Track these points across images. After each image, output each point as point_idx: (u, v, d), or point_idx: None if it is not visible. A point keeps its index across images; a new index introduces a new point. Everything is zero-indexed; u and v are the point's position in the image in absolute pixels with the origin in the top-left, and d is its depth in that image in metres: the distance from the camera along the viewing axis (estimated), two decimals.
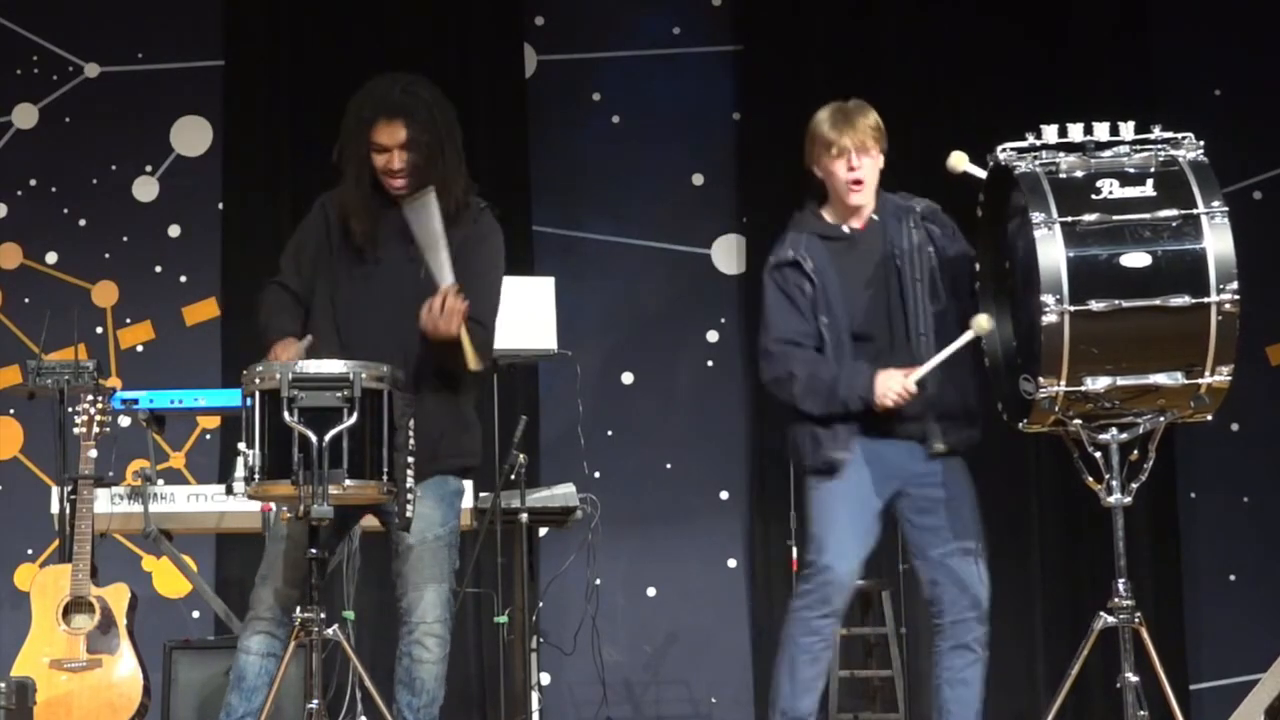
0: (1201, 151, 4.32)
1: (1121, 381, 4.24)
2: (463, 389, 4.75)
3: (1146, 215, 4.22)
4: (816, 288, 4.74)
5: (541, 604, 6.79)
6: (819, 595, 4.72)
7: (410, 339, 4.61)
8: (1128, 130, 4.33)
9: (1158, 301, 4.18)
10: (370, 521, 4.97)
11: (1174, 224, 4.21)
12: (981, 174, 4.51)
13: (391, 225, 4.69)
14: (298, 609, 4.49)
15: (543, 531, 6.87)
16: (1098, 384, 4.24)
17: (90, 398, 6.06)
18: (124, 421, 6.78)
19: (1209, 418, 4.36)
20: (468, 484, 6.02)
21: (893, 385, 4.62)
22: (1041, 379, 4.24)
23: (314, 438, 4.30)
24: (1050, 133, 4.35)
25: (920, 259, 4.75)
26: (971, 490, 4.86)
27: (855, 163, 4.76)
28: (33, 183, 7.56)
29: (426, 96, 4.70)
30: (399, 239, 4.68)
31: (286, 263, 4.81)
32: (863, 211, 4.82)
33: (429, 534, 4.64)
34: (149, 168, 7.58)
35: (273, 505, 4.93)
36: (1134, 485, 4.39)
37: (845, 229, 4.81)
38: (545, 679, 6.97)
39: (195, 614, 7.28)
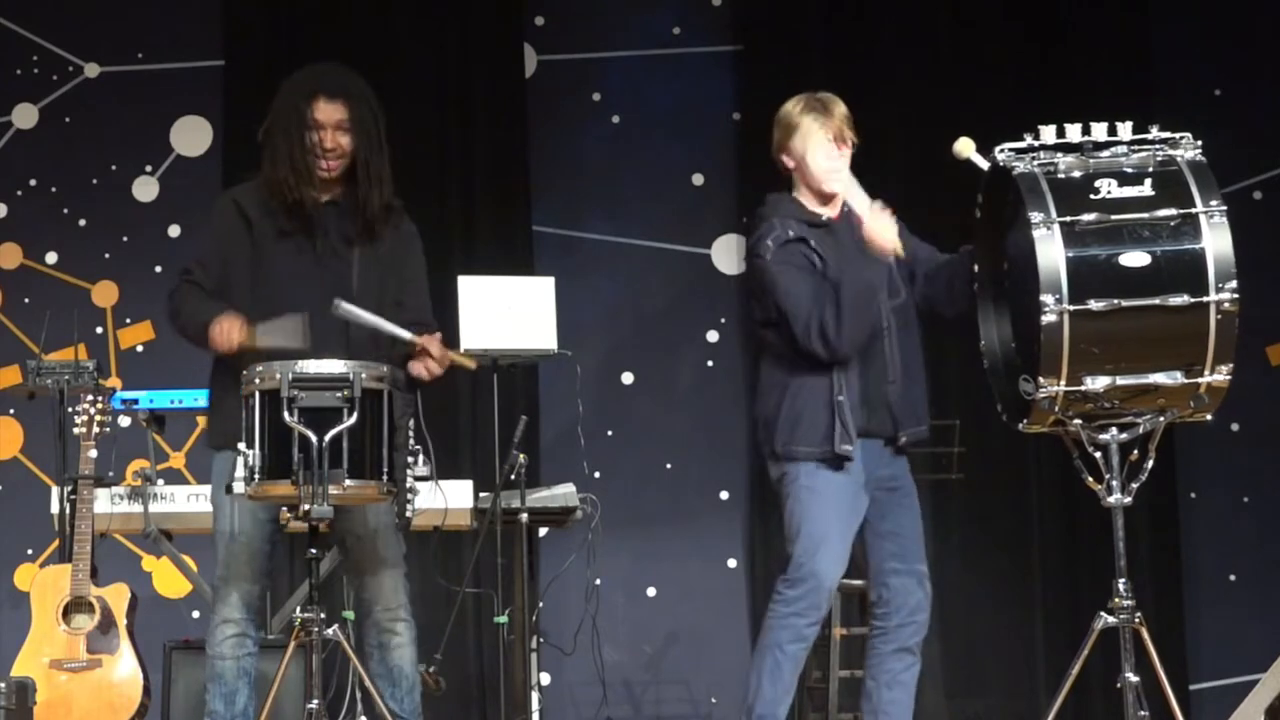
0: (1200, 151, 4.32)
1: (1121, 381, 4.24)
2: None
3: (1145, 215, 4.22)
4: (827, 263, 4.69)
5: (541, 604, 6.78)
6: (809, 602, 4.69)
7: (352, 333, 4.59)
8: (1125, 130, 4.33)
9: (1157, 301, 4.18)
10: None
11: (1173, 223, 4.21)
12: (984, 164, 4.50)
13: (321, 217, 4.65)
14: (300, 610, 4.49)
15: (543, 531, 6.86)
16: (1097, 384, 4.24)
17: (90, 398, 6.06)
18: (124, 421, 6.78)
19: (1209, 417, 4.36)
20: (457, 484, 6.08)
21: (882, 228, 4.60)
22: (1041, 379, 4.23)
23: (314, 438, 4.30)
24: (1048, 133, 4.35)
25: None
26: (915, 488, 4.85)
27: (840, 150, 4.77)
28: (33, 183, 7.56)
29: (364, 87, 4.69)
30: (328, 232, 4.65)
31: (196, 266, 4.72)
32: (835, 201, 4.81)
33: (378, 522, 4.63)
34: (149, 168, 7.59)
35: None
36: (1134, 485, 4.39)
37: (824, 219, 4.80)
38: (545, 679, 6.97)
39: (195, 614, 7.28)
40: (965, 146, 4.60)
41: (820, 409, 4.67)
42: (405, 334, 4.53)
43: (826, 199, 4.81)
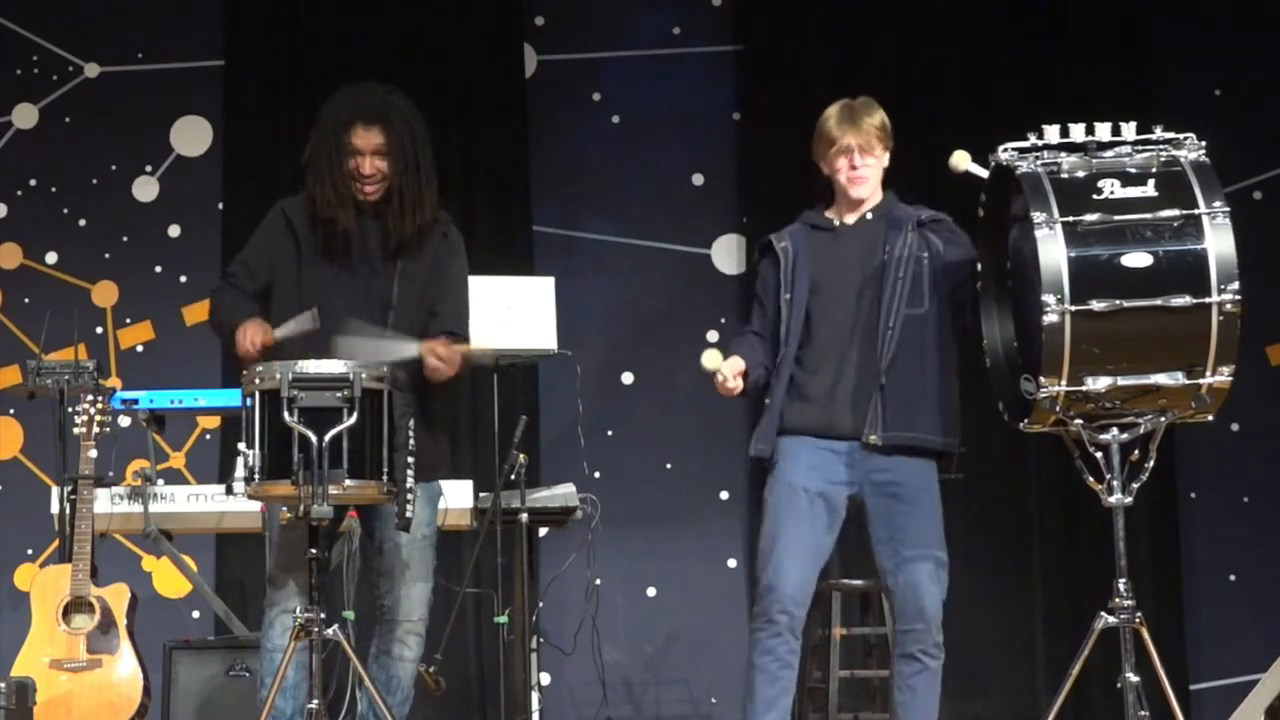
0: (1203, 152, 4.32)
1: (1122, 381, 4.24)
2: (433, 398, 4.73)
3: (1148, 215, 4.22)
4: (783, 266, 4.83)
5: (541, 604, 6.78)
6: (767, 616, 4.73)
7: (391, 327, 4.62)
8: (1129, 130, 4.33)
9: (1159, 301, 4.18)
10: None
11: (1175, 224, 4.21)
12: (983, 173, 4.50)
13: (361, 231, 4.69)
14: (300, 610, 4.47)
15: (543, 531, 6.86)
16: (1099, 384, 4.24)
17: (90, 398, 6.05)
18: (124, 421, 6.77)
19: (1210, 418, 4.36)
20: (457, 484, 6.08)
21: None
22: (1042, 379, 4.24)
23: (314, 438, 4.30)
24: (1052, 133, 4.35)
25: (908, 262, 4.76)
26: (931, 493, 4.79)
27: (858, 162, 4.81)
28: (33, 183, 7.56)
29: (404, 108, 4.72)
30: (368, 245, 4.68)
31: (239, 267, 4.80)
32: (861, 208, 4.86)
33: (417, 533, 4.64)
34: (149, 168, 7.58)
35: None
36: (1134, 485, 4.39)
37: (836, 223, 4.88)
38: (545, 679, 6.97)
39: (195, 614, 7.28)
40: (961, 159, 4.60)
41: (767, 412, 4.82)
42: (408, 351, 4.53)
43: (853, 205, 4.88)
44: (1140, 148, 4.32)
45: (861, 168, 4.81)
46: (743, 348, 4.89)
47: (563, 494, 6.44)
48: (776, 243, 4.89)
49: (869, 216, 4.86)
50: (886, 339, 4.72)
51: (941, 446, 4.78)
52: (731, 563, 7.50)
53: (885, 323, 4.73)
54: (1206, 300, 4.18)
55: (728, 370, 4.78)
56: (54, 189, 7.56)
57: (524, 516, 6.29)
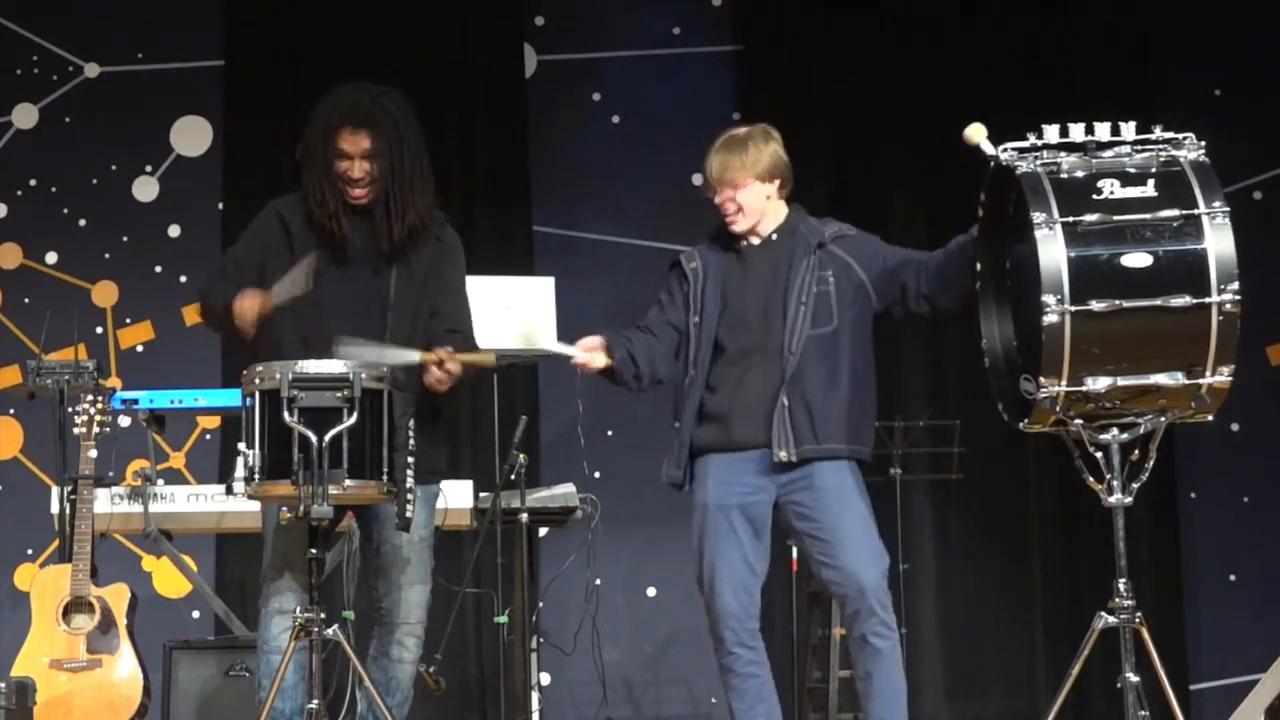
0: (1203, 152, 4.31)
1: (1122, 381, 4.23)
2: (433, 401, 4.72)
3: (1147, 215, 4.21)
4: (690, 287, 4.86)
5: (541, 604, 6.78)
6: (715, 636, 4.78)
7: (389, 336, 4.59)
8: (1129, 130, 4.33)
9: (1159, 302, 4.17)
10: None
11: (1175, 224, 4.20)
12: (993, 151, 4.48)
13: (354, 232, 4.67)
14: (300, 610, 4.46)
15: (543, 531, 6.86)
16: (1098, 384, 4.23)
17: (90, 398, 6.05)
18: (124, 421, 6.78)
19: (1209, 418, 4.35)
20: (457, 484, 6.09)
21: None
22: (1042, 379, 4.23)
23: (314, 438, 4.29)
24: (1051, 133, 4.34)
25: (809, 283, 4.77)
26: (853, 490, 4.76)
27: (718, 199, 4.84)
28: (33, 183, 7.56)
29: (394, 110, 4.67)
30: (362, 247, 4.67)
31: (229, 263, 4.76)
32: (765, 229, 4.87)
33: (415, 535, 4.63)
34: (149, 168, 7.59)
35: None
36: (1134, 485, 4.38)
37: (743, 244, 4.88)
38: (545, 679, 6.97)
39: (195, 614, 7.29)
40: (976, 132, 4.57)
41: (677, 437, 4.94)
42: (411, 356, 4.52)
43: (748, 230, 4.88)
44: (1140, 148, 4.30)
45: (725, 204, 4.83)
46: (607, 332, 4.98)
47: (563, 494, 6.45)
48: (686, 263, 4.91)
49: (774, 237, 4.87)
50: (790, 363, 4.73)
51: (847, 454, 4.78)
52: None
53: (788, 347, 4.74)
54: (1206, 300, 4.17)
55: (582, 345, 4.91)
56: (54, 189, 7.56)
57: (524, 516, 6.29)
